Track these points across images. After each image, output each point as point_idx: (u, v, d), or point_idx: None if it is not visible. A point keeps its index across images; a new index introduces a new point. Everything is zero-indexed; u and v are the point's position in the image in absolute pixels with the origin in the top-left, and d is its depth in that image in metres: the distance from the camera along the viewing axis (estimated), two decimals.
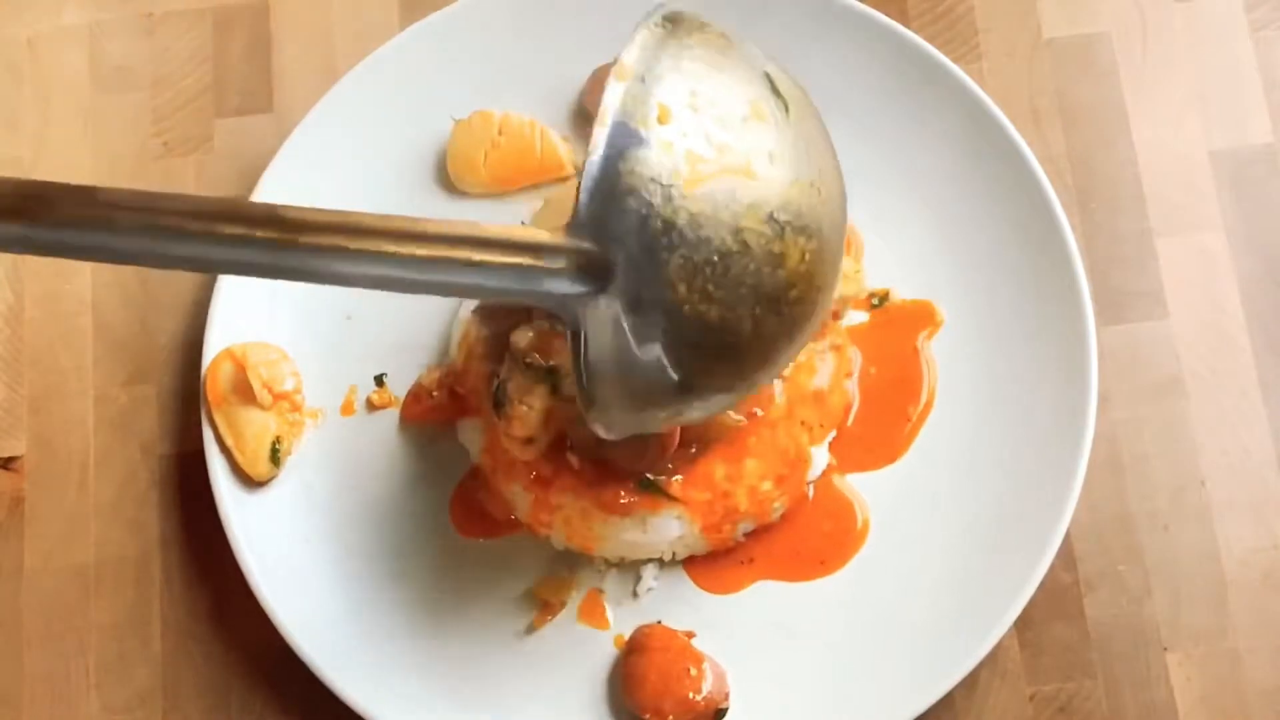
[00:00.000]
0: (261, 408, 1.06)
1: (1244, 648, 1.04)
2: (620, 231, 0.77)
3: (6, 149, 1.20)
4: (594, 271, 0.78)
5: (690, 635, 1.03)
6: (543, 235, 0.77)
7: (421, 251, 0.76)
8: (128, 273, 1.17)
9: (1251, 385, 1.09)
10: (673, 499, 1.00)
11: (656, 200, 0.77)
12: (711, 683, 1.00)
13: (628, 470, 1.00)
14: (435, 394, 1.08)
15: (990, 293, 1.09)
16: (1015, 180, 1.09)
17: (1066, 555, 1.06)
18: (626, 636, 1.04)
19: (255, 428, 1.06)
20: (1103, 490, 1.07)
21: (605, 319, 0.79)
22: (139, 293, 1.16)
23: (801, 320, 0.84)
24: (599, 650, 1.04)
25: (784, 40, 1.13)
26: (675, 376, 0.81)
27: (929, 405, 1.07)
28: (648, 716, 1.00)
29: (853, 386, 1.08)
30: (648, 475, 1.00)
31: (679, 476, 1.01)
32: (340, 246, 0.75)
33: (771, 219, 0.80)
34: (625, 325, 0.79)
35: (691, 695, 0.99)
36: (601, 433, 0.86)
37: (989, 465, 1.05)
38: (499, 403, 0.98)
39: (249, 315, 1.10)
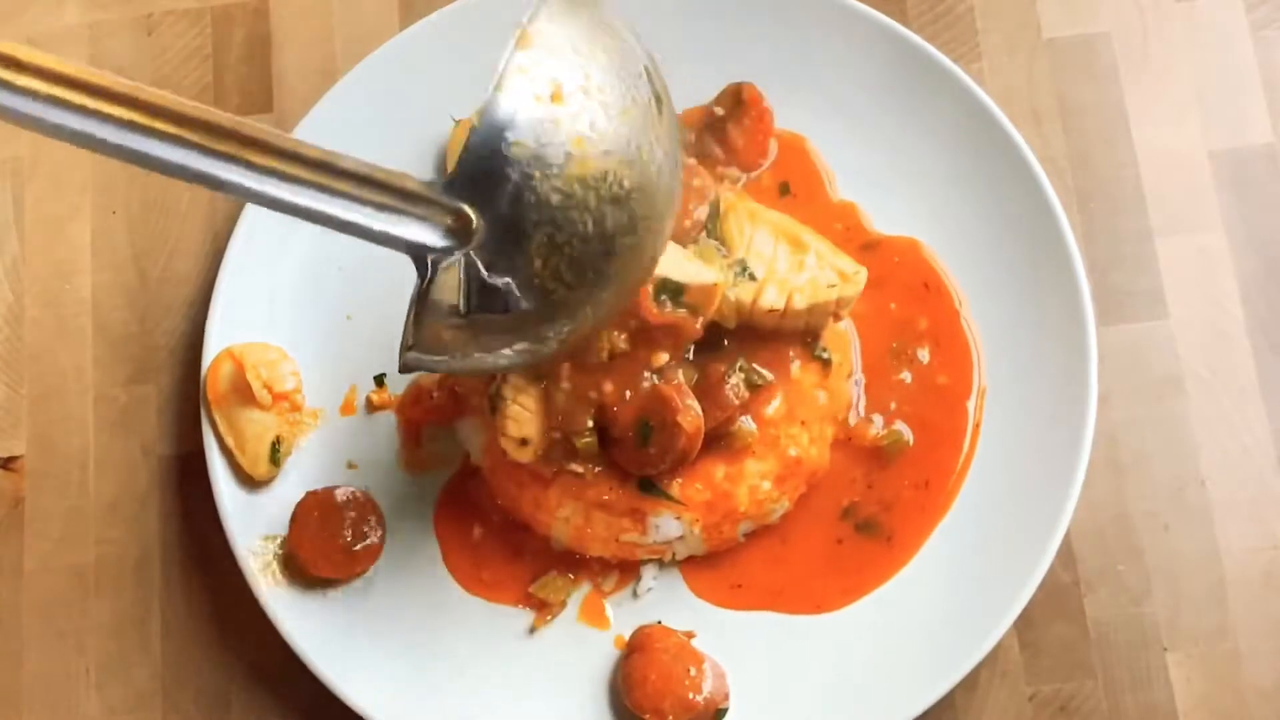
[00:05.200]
0: (261, 408, 1.06)
1: (1244, 648, 1.04)
2: (492, 197, 0.79)
3: (6, 149, 1.20)
4: (457, 228, 0.80)
5: (690, 635, 1.03)
6: (415, 184, 0.79)
7: (285, 168, 0.77)
8: (128, 272, 1.17)
9: (1251, 385, 1.10)
10: (673, 499, 1.00)
11: (535, 177, 0.79)
12: (711, 683, 1.00)
13: (628, 471, 1.00)
14: (435, 394, 1.08)
15: (990, 292, 1.09)
16: (1015, 180, 1.09)
17: (1066, 555, 1.06)
18: (626, 637, 1.04)
19: (255, 428, 1.06)
20: (1103, 490, 1.07)
21: (455, 269, 0.81)
22: (139, 293, 1.16)
23: (633, 271, 0.87)
24: (599, 650, 1.04)
25: (786, 40, 1.13)
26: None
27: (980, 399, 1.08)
28: (648, 716, 1.00)
29: (853, 386, 1.08)
30: (648, 476, 1.00)
31: (679, 477, 1.01)
32: (200, 144, 0.75)
33: (629, 203, 0.83)
34: (474, 279, 0.81)
35: (691, 695, 0.99)
36: (403, 371, 0.87)
37: (989, 465, 1.05)
38: (494, 404, 0.97)
39: (249, 315, 1.10)
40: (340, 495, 1.05)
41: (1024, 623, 1.04)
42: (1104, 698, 1.04)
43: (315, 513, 1.04)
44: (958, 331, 1.08)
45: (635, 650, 1.02)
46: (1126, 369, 1.10)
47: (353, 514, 1.05)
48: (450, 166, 1.13)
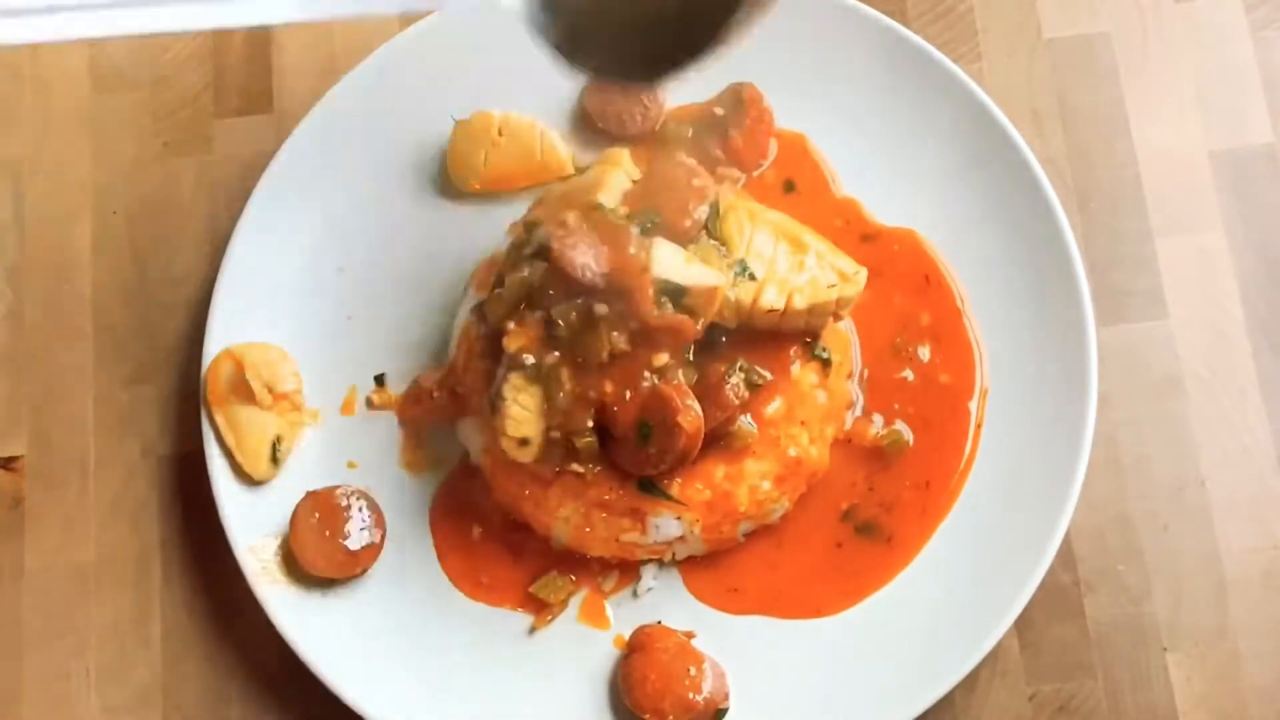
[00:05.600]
0: (262, 408, 1.06)
1: (1244, 648, 1.04)
2: None
3: (6, 149, 1.20)
4: None
5: (690, 635, 1.03)
6: None
7: None
8: (128, 273, 1.16)
9: (1251, 385, 1.10)
10: (673, 500, 1.00)
11: None
12: (712, 682, 1.00)
13: (628, 471, 1.00)
14: (435, 395, 1.08)
15: (991, 292, 1.09)
16: (1015, 180, 1.09)
17: (1066, 555, 1.06)
18: (627, 636, 1.04)
19: (255, 427, 1.06)
20: (1103, 490, 1.07)
21: None
22: (139, 293, 1.16)
23: None
24: (599, 650, 1.04)
25: (786, 39, 1.13)
26: None
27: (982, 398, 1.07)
28: (648, 716, 1.00)
29: (854, 385, 1.08)
30: (648, 476, 1.00)
31: (679, 478, 1.01)
32: None
33: None
34: None
35: (691, 695, 0.99)
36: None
37: (990, 466, 1.05)
38: (494, 404, 0.97)
39: (249, 315, 1.10)
40: (340, 495, 1.05)
41: (1024, 623, 1.04)
42: (1104, 698, 1.04)
43: (315, 513, 1.04)
44: (959, 327, 1.08)
45: (635, 650, 1.02)
46: (1126, 369, 1.10)
47: (353, 514, 1.05)
48: (451, 170, 1.12)
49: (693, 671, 1.00)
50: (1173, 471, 1.08)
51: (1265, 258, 1.12)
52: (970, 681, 1.03)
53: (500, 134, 1.12)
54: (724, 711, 1.01)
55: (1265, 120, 1.15)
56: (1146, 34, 1.17)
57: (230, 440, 1.06)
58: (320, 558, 1.03)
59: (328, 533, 1.04)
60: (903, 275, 1.10)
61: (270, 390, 1.07)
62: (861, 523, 1.05)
